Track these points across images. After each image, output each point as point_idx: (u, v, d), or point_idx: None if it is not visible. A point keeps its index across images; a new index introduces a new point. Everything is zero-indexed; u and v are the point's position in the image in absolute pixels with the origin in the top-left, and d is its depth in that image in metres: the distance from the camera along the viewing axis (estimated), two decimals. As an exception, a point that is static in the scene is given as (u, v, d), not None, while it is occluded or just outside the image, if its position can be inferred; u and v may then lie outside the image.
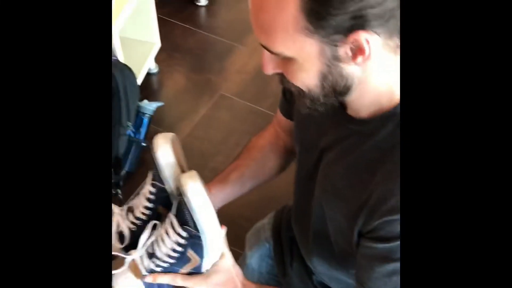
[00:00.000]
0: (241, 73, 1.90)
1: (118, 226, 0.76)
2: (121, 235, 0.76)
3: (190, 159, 0.75)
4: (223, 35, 2.06)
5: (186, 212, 0.65)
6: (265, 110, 1.79)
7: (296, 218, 0.86)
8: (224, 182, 0.85)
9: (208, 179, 0.81)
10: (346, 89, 0.59)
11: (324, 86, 0.59)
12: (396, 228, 0.58)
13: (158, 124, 1.74)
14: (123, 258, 0.70)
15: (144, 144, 1.60)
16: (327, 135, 0.71)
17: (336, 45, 0.54)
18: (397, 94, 0.60)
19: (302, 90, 0.61)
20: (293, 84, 0.61)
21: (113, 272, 0.70)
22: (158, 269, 0.69)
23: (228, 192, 0.85)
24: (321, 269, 0.82)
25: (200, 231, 0.65)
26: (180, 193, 0.66)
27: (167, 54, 1.98)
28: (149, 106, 1.61)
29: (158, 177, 0.72)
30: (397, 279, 0.61)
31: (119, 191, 1.51)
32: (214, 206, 0.67)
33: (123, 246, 0.75)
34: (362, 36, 0.53)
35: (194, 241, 0.66)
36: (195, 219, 0.64)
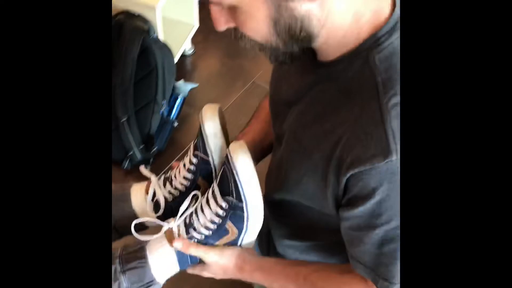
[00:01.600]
0: (275, 63, 1.89)
1: (154, 194, 0.76)
2: (156, 204, 0.76)
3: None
4: (259, 22, 2.05)
5: (231, 181, 0.63)
6: (297, 102, 1.79)
7: (266, 191, 0.78)
8: None
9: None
10: (305, 33, 0.53)
11: (279, 33, 0.53)
12: (367, 182, 0.52)
13: (189, 105, 1.74)
14: (160, 226, 0.70)
15: (175, 125, 1.61)
16: (294, 86, 0.65)
17: None
18: (365, 28, 0.54)
19: (259, 42, 0.56)
20: (249, 38, 0.55)
21: (149, 237, 0.70)
22: (193, 240, 0.68)
23: None
24: (292, 255, 0.78)
25: (244, 201, 0.63)
26: (225, 162, 0.65)
27: (203, 37, 1.99)
28: (184, 87, 1.62)
29: (202, 148, 0.72)
30: (390, 248, 0.56)
31: (148, 168, 1.53)
32: None
33: (157, 215, 0.75)
34: None
35: (235, 212, 0.64)
36: (240, 189, 0.63)
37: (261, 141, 0.84)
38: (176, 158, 1.62)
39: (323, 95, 0.59)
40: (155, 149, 1.53)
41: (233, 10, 0.54)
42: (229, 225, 0.66)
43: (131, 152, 1.51)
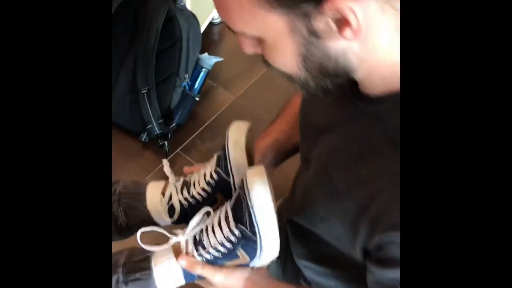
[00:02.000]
0: (307, 38, 1.79)
1: (170, 198, 0.72)
2: (171, 208, 0.72)
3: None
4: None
5: (245, 211, 0.59)
6: (326, 82, 1.70)
7: (289, 211, 0.73)
8: (255, 150, 0.75)
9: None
10: (341, 71, 0.47)
11: (309, 70, 0.47)
12: (398, 252, 0.47)
13: (213, 78, 1.68)
14: (168, 237, 0.66)
15: (197, 99, 1.55)
16: (329, 112, 0.59)
17: (309, 17, 0.42)
18: None
19: (287, 74, 0.50)
20: (277, 68, 0.50)
21: (155, 248, 0.66)
22: (200, 258, 0.64)
23: (259, 161, 0.74)
24: (309, 274, 0.75)
25: (257, 235, 0.59)
26: (241, 185, 0.61)
27: (233, 4, 1.89)
28: (208, 60, 1.54)
29: (224, 168, 0.68)
30: None
31: (166, 142, 1.49)
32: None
33: (171, 220, 0.72)
34: (343, 4, 0.40)
35: (247, 242, 0.61)
36: (254, 222, 0.58)
37: (285, 143, 0.79)
38: (193, 136, 1.57)
39: (361, 134, 0.53)
40: (173, 124, 1.48)
41: (257, 40, 0.49)
42: (241, 252, 0.62)
43: (149, 126, 1.46)
